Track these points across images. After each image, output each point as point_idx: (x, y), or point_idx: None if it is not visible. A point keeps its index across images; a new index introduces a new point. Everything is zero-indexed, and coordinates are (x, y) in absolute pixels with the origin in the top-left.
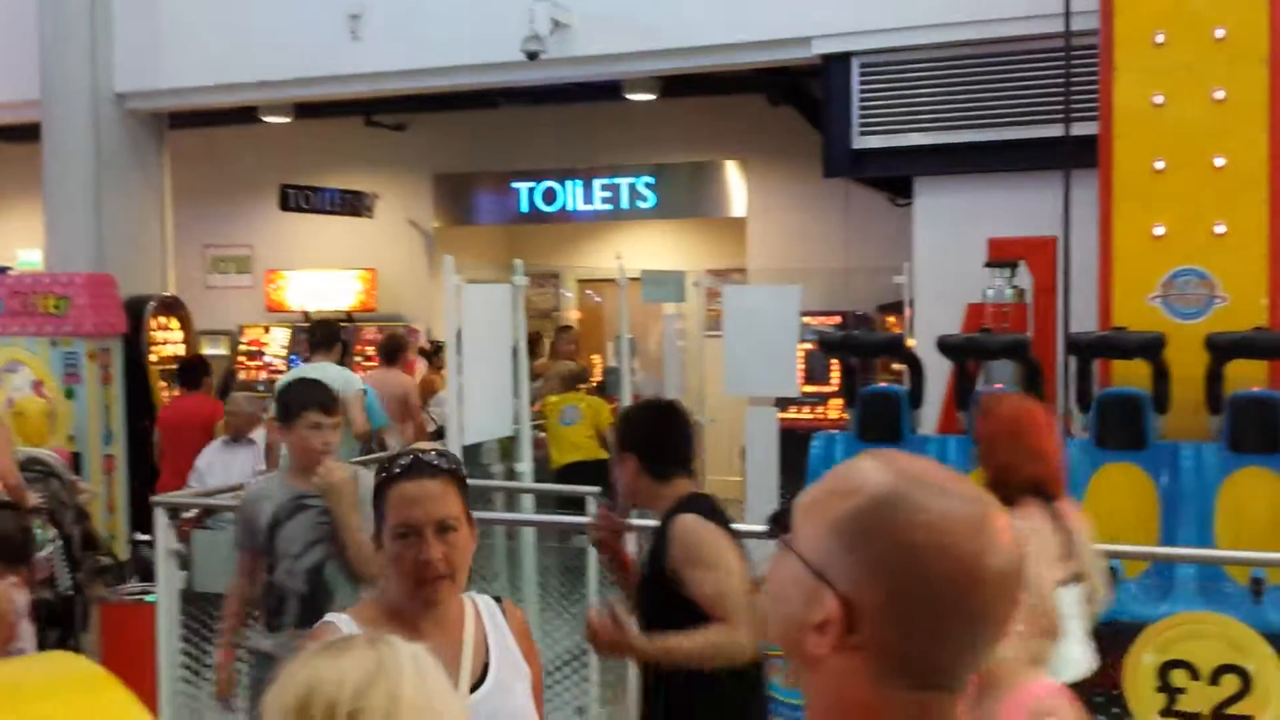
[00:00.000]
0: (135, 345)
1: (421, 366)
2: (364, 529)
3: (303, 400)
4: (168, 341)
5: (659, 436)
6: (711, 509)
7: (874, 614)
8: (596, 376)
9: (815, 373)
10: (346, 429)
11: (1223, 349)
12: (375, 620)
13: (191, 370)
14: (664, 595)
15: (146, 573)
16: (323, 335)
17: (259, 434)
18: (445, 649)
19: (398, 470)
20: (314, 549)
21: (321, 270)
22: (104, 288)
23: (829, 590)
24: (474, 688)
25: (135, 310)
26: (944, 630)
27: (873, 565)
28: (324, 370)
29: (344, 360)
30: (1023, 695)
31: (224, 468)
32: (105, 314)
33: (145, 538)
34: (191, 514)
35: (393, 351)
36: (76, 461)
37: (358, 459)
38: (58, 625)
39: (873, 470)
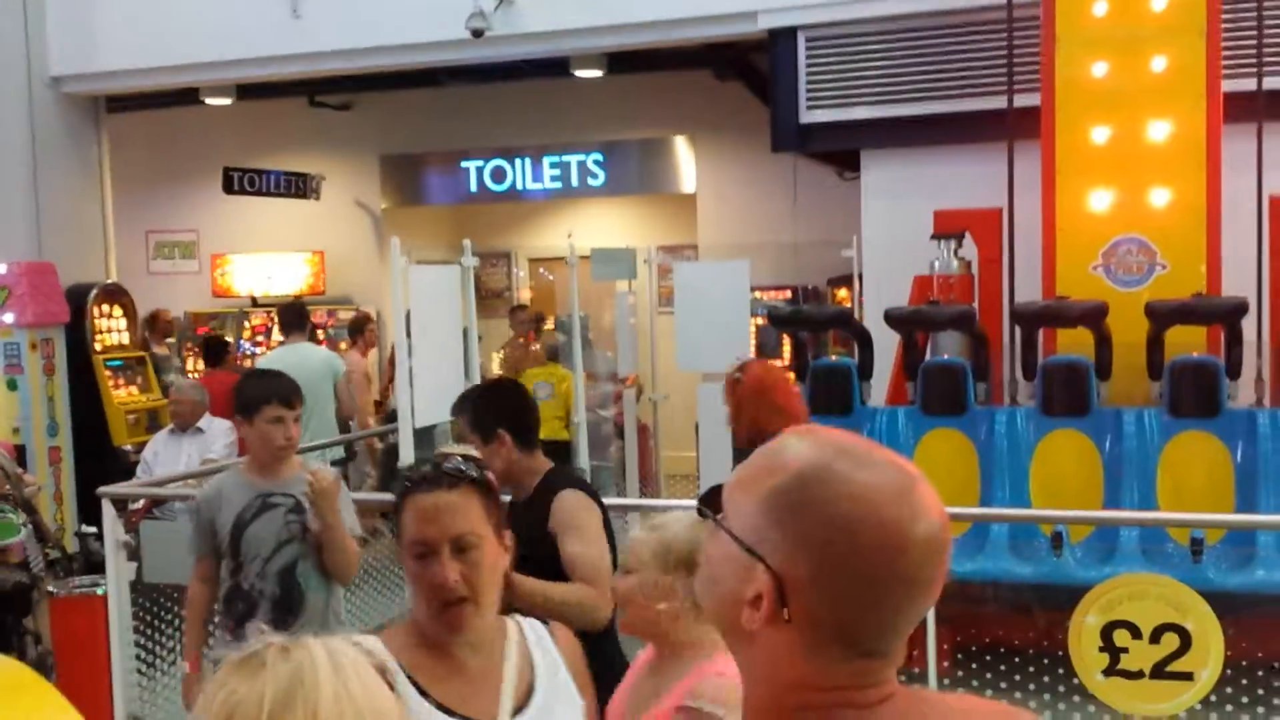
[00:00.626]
0: (79, 334)
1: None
2: (350, 532)
3: (263, 393)
4: (112, 330)
5: (522, 410)
6: (584, 482)
7: (805, 586)
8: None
9: (767, 347)
10: (320, 414)
11: (1163, 316)
12: (406, 644)
13: (215, 348)
14: (537, 569)
15: (93, 566)
16: (293, 316)
17: (207, 421)
18: (484, 674)
19: (415, 481)
20: (285, 549)
21: (269, 253)
22: (44, 276)
23: (760, 565)
24: (516, 712)
25: (77, 299)
26: (873, 598)
27: (802, 539)
28: (304, 352)
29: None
30: (696, 674)
31: (171, 458)
32: (46, 303)
33: (91, 530)
34: (138, 505)
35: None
36: (21, 454)
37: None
38: (10, 610)
39: (798, 447)
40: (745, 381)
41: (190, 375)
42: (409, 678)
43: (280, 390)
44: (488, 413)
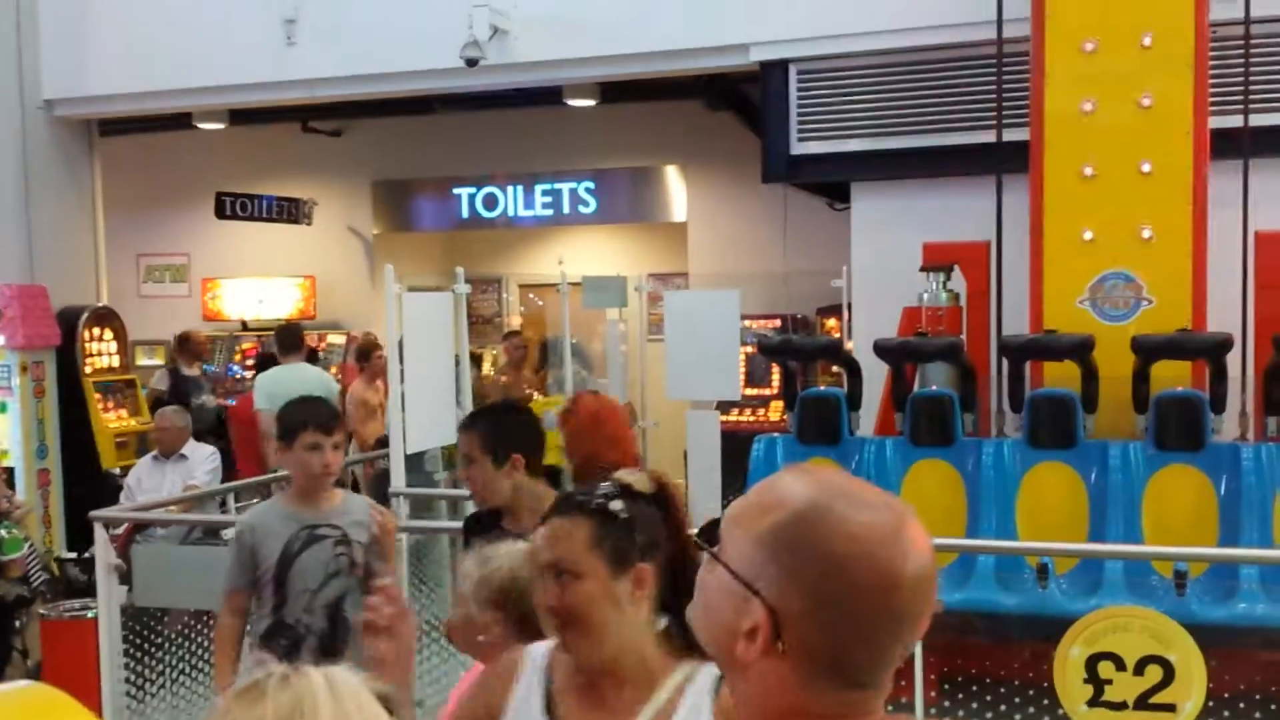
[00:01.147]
0: (69, 357)
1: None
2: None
3: (300, 418)
4: (102, 353)
5: (538, 437)
6: None
7: (799, 620)
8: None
9: (756, 375)
10: None
11: (1149, 350)
12: (570, 667)
13: (263, 367)
14: None
15: (73, 592)
16: (289, 338)
17: (191, 448)
18: (623, 710)
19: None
20: (332, 583)
21: (259, 278)
22: (35, 299)
23: (757, 599)
24: None
25: (68, 322)
26: (865, 633)
27: (797, 575)
28: (299, 371)
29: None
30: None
31: (154, 485)
32: (37, 325)
33: (70, 556)
34: (119, 531)
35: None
36: (10, 476)
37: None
38: (8, 622)
39: (795, 485)
40: (578, 414)
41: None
42: (545, 694)
43: (317, 416)
44: (502, 435)
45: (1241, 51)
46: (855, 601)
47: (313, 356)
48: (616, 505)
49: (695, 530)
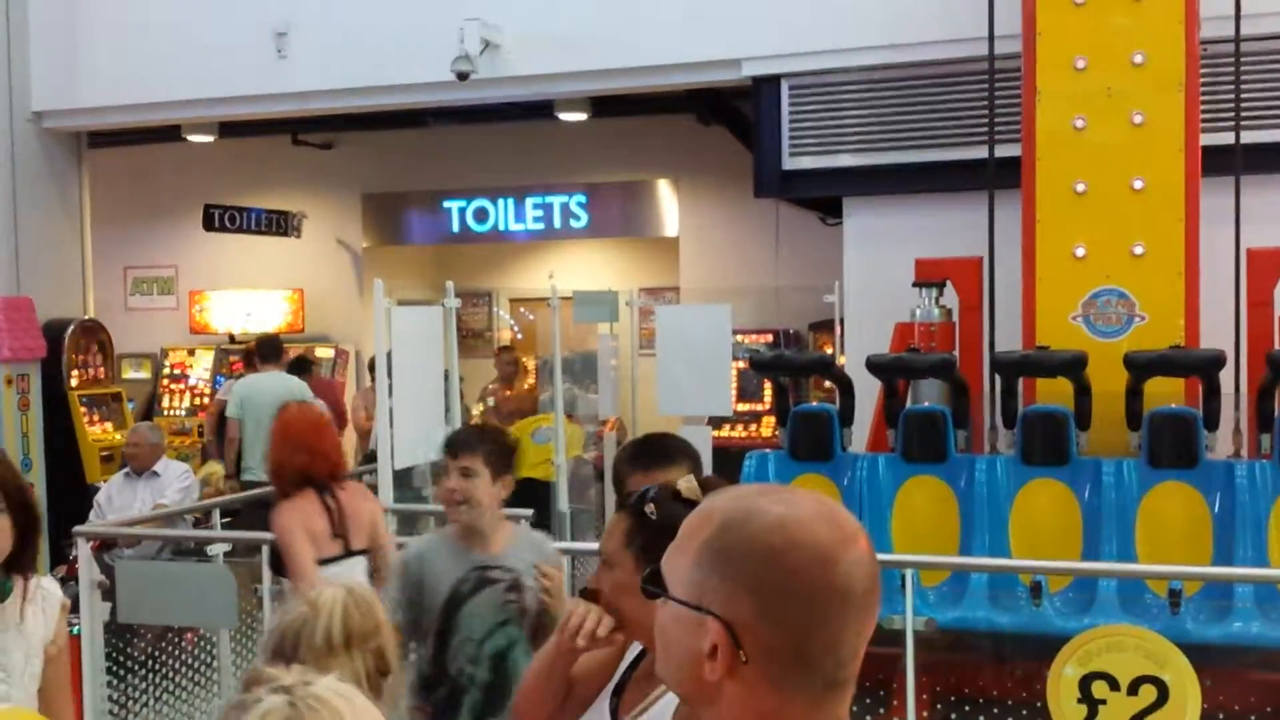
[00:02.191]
0: (54, 370)
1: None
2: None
3: (446, 442)
4: (88, 366)
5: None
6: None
7: (754, 624)
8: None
9: (748, 391)
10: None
11: (1141, 367)
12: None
13: (297, 369)
14: None
15: None
16: (269, 348)
17: (163, 465)
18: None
19: None
20: (501, 631)
21: (247, 290)
22: (21, 311)
23: (709, 617)
24: None
25: (54, 334)
26: (816, 615)
27: (738, 578)
28: (269, 378)
29: (307, 375)
30: None
31: (124, 503)
32: (23, 338)
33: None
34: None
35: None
36: None
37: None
38: None
39: (716, 501)
40: (279, 423)
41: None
42: (621, 679)
43: (450, 439)
44: (507, 458)
45: (1232, 69)
46: (798, 584)
47: (304, 366)
48: (650, 508)
49: (643, 577)
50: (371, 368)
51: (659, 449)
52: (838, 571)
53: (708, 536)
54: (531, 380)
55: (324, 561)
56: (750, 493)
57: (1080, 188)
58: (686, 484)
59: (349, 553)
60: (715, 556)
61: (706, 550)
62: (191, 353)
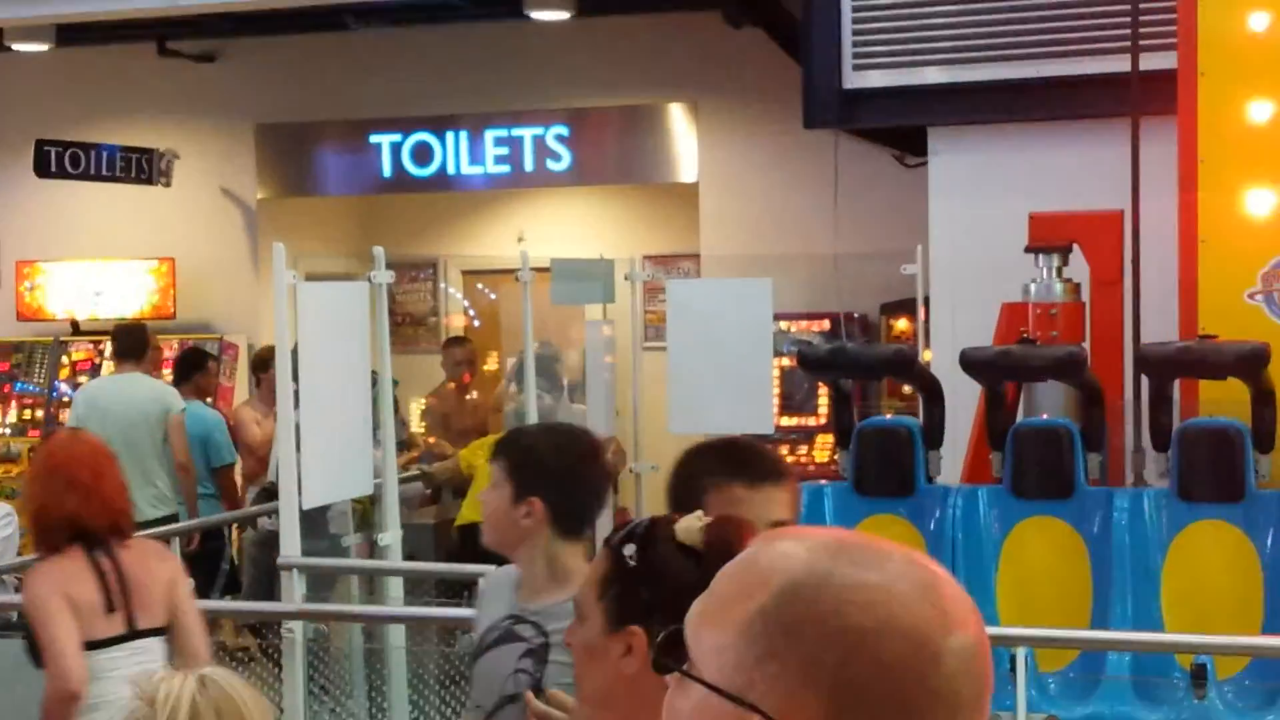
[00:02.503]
0: None
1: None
2: None
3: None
4: None
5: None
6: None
7: None
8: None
9: (796, 399)
10: (144, 471)
11: None
12: None
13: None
14: None
15: None
16: (130, 342)
17: None
18: None
19: None
20: (507, 709)
21: (97, 261)
22: None
23: (755, 715)
24: None
25: None
26: None
27: (806, 668)
28: (129, 383)
29: (203, 379)
30: None
31: None
32: None
33: None
34: None
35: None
36: None
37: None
38: None
39: (777, 552)
40: (42, 453)
41: None
42: None
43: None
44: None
45: None
46: (889, 687)
47: (197, 365)
48: (629, 550)
49: (654, 645)
50: (265, 365)
51: (769, 459)
52: (940, 672)
53: (763, 605)
54: (493, 385)
55: (95, 645)
56: (819, 544)
57: (1260, 113)
58: (688, 524)
59: (135, 633)
60: (774, 634)
61: (762, 622)
62: (18, 348)
